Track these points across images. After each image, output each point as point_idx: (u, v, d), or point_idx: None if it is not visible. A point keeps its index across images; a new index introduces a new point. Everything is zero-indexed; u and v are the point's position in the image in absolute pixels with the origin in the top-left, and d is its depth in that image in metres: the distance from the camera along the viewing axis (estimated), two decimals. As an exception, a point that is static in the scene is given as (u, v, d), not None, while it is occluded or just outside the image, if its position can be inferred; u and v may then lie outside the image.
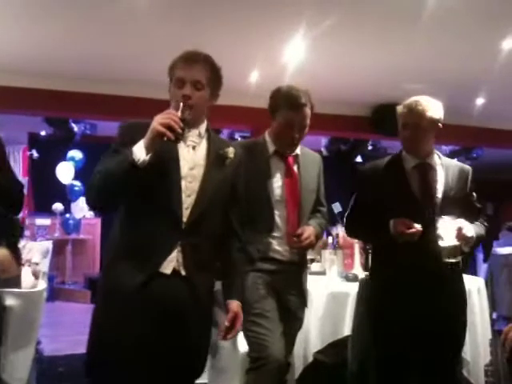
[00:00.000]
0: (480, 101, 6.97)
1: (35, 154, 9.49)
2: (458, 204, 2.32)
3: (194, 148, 1.93)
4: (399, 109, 2.36)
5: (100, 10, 4.32)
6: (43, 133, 8.43)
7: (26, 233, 7.81)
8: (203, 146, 1.96)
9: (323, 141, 8.46)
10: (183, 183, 1.87)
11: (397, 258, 2.27)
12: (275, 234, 2.35)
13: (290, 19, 4.46)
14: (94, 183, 1.81)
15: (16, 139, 9.53)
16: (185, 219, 1.86)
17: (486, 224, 2.42)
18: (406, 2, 4.17)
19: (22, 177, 9.79)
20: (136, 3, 4.22)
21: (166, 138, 1.73)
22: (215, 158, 1.95)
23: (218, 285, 3.00)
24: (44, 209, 9.00)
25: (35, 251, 4.80)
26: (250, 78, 6.01)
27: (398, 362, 2.27)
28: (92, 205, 2.01)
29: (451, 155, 9.31)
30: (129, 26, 4.66)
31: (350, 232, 2.59)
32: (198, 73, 1.94)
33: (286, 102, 2.31)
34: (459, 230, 2.15)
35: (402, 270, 2.26)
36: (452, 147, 9.23)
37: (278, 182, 2.37)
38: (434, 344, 2.25)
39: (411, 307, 2.24)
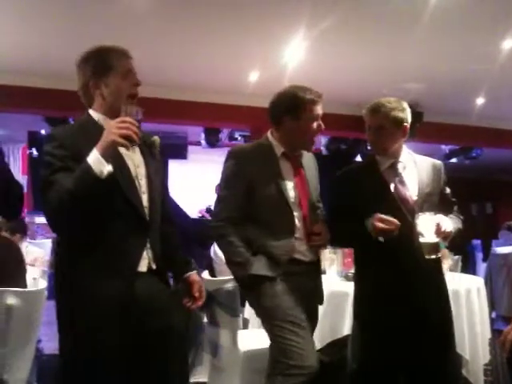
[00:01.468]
0: (479, 101, 6.98)
1: (35, 152, 9.48)
2: (434, 199, 2.34)
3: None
4: (363, 112, 2.37)
5: (99, 8, 4.32)
6: (43, 131, 8.42)
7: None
8: None
9: (323, 140, 8.47)
10: (136, 182, 1.89)
11: (378, 257, 2.28)
12: (297, 235, 2.34)
13: (290, 20, 4.47)
14: (56, 206, 1.71)
15: (16, 138, 9.55)
16: (147, 217, 1.90)
17: (461, 217, 2.44)
18: (405, 3, 4.18)
19: (22, 175, 9.81)
20: (136, 2, 4.23)
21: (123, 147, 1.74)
22: (147, 151, 1.99)
23: (216, 284, 3.02)
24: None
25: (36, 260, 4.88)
26: (250, 78, 6.02)
27: (387, 362, 2.28)
28: (60, 228, 1.86)
29: (450, 155, 9.33)
30: (128, 25, 4.66)
31: (332, 241, 2.55)
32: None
33: (310, 98, 2.30)
34: (438, 225, 2.16)
35: (383, 269, 2.27)
36: (451, 147, 9.24)
37: (290, 184, 2.36)
38: (421, 342, 2.26)
39: (395, 306, 2.25)
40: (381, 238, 2.22)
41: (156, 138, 2.04)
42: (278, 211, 2.32)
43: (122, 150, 1.83)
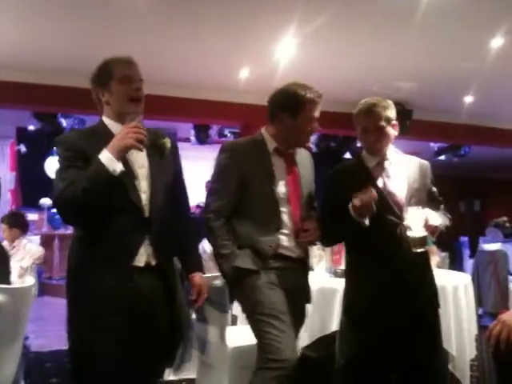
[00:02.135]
0: (468, 99, 7.03)
1: (23, 148, 9.42)
2: (422, 195, 2.37)
3: None
4: (355, 113, 2.38)
5: (90, 5, 4.29)
6: (31, 127, 8.37)
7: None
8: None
9: (313, 137, 8.48)
10: (137, 181, 2.00)
11: (368, 253, 2.30)
12: (284, 231, 2.34)
13: (281, 16, 4.46)
14: (70, 200, 1.84)
15: (4, 133, 9.47)
16: (147, 214, 2.00)
17: (448, 215, 2.46)
18: (397, 1, 4.19)
19: (10, 171, 9.73)
20: (127, 0, 4.21)
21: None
22: (154, 151, 2.07)
23: (209, 281, 3.02)
24: (32, 203, 8.95)
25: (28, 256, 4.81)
26: (241, 75, 6.01)
27: (376, 358, 2.29)
28: (71, 219, 2.03)
29: (439, 152, 9.39)
30: (118, 22, 4.64)
31: (324, 239, 2.56)
32: (140, 73, 2.07)
33: (310, 98, 2.31)
34: (426, 219, 2.18)
35: (373, 264, 2.29)
36: (440, 144, 9.30)
37: (281, 179, 2.37)
38: (410, 337, 2.27)
39: (385, 302, 2.27)
40: (366, 221, 2.22)
41: (166, 140, 2.11)
42: (266, 206, 2.33)
43: (129, 153, 1.97)
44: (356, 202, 2.18)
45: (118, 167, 1.84)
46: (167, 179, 2.11)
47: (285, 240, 2.34)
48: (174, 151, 2.19)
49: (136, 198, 1.97)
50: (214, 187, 2.40)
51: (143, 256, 1.98)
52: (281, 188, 2.36)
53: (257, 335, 2.25)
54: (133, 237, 1.97)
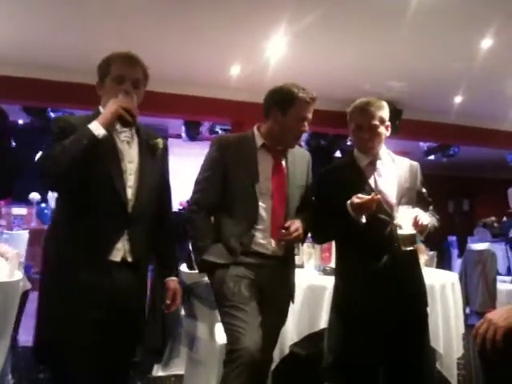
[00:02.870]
0: (458, 99, 7.07)
1: (13, 143, 9.33)
2: (412, 194, 2.40)
3: (128, 143, 2.08)
4: (350, 110, 2.40)
5: (78, 0, 4.28)
6: (21, 121, 8.30)
7: (2, 222, 7.71)
8: (135, 140, 2.11)
9: (303, 135, 8.50)
10: (124, 176, 2.02)
11: (359, 250, 2.32)
12: (259, 227, 2.34)
13: (273, 14, 4.47)
14: (57, 156, 1.84)
15: (-8, 127, 9.38)
16: (130, 210, 2.01)
17: (437, 216, 2.50)
18: (388, 1, 4.20)
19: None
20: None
21: (119, 123, 1.92)
22: (146, 149, 2.12)
23: (194, 278, 3.02)
24: (21, 198, 8.88)
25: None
26: (231, 72, 6.00)
27: (366, 355, 2.30)
28: (50, 179, 1.94)
29: (428, 152, 9.44)
30: (109, 17, 4.62)
31: (317, 235, 2.56)
32: (137, 73, 2.08)
33: (302, 97, 2.33)
34: (416, 218, 2.21)
35: (364, 261, 2.31)
36: (429, 144, 9.34)
37: (265, 175, 2.38)
38: (398, 335, 2.29)
39: (375, 299, 2.29)
40: (363, 219, 2.24)
41: (159, 141, 2.16)
42: (245, 201, 2.34)
43: (120, 147, 2.03)
44: (355, 200, 2.21)
45: (101, 132, 1.85)
46: (155, 179, 2.14)
47: (260, 237, 2.34)
48: (165, 153, 2.23)
49: (119, 191, 1.98)
50: (199, 178, 2.44)
51: (120, 251, 2.00)
52: (264, 183, 2.36)
53: (224, 328, 2.28)
54: (112, 231, 1.98)
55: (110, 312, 1.95)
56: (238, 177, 2.35)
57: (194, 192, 2.43)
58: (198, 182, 2.44)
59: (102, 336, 1.92)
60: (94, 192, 1.94)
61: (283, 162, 2.45)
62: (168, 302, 2.20)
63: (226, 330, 2.25)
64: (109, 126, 1.88)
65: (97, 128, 1.85)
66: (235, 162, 2.37)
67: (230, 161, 2.37)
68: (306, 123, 2.38)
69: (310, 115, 2.38)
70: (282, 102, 2.35)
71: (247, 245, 2.32)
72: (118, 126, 1.99)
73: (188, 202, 9.01)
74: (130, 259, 2.01)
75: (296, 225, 2.33)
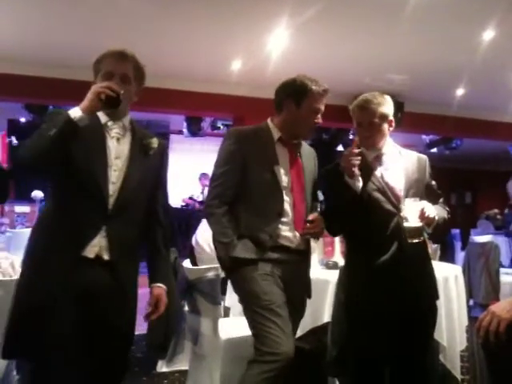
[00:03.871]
0: (460, 91, 7.05)
1: (14, 140, 9.36)
2: (420, 187, 2.39)
3: (118, 140, 2.03)
4: (351, 108, 2.40)
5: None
6: (23, 119, 8.32)
7: (5, 220, 7.73)
8: (127, 138, 2.06)
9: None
10: (109, 171, 1.96)
11: (367, 243, 2.32)
12: (284, 220, 2.33)
13: (274, 8, 4.46)
14: (29, 143, 1.83)
15: (-6, 125, 9.41)
16: (110, 206, 1.94)
17: (447, 208, 2.49)
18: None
19: (1, 163, 9.67)
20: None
21: (105, 105, 1.86)
22: (139, 148, 2.06)
23: (197, 273, 3.03)
24: (23, 196, 8.91)
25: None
26: (233, 67, 5.99)
27: (372, 349, 2.30)
28: (25, 163, 1.88)
29: (431, 145, 9.42)
30: (110, 14, 4.62)
31: (331, 226, 2.55)
32: (126, 68, 2.04)
33: (316, 89, 2.34)
34: (422, 210, 2.21)
35: (372, 254, 2.31)
36: (432, 137, 9.33)
37: (284, 168, 2.38)
38: (401, 328, 2.29)
39: (384, 293, 2.28)
40: (359, 183, 2.26)
41: (153, 140, 2.11)
42: (268, 193, 2.32)
43: (109, 143, 1.98)
44: (345, 159, 2.24)
45: (78, 114, 1.83)
46: (146, 178, 2.06)
47: (285, 229, 2.34)
48: (163, 153, 2.16)
49: (101, 186, 1.93)
50: (218, 173, 2.38)
51: (95, 248, 1.91)
52: (284, 177, 2.36)
53: (253, 327, 2.23)
54: (89, 225, 1.91)
55: (79, 309, 1.86)
56: (258, 170, 2.32)
57: (213, 187, 2.37)
58: (216, 176, 2.39)
59: (76, 331, 1.84)
60: (75, 185, 1.91)
61: (298, 157, 2.46)
62: (149, 309, 2.07)
63: (259, 331, 2.17)
64: (90, 108, 1.85)
65: (74, 111, 1.83)
66: (254, 155, 2.34)
67: (248, 153, 2.34)
68: (319, 115, 2.39)
69: (322, 107, 2.39)
70: (296, 93, 2.35)
71: (275, 238, 2.31)
72: (109, 123, 1.98)
73: (191, 198, 8.93)
74: (106, 257, 1.93)
75: (319, 218, 2.34)
